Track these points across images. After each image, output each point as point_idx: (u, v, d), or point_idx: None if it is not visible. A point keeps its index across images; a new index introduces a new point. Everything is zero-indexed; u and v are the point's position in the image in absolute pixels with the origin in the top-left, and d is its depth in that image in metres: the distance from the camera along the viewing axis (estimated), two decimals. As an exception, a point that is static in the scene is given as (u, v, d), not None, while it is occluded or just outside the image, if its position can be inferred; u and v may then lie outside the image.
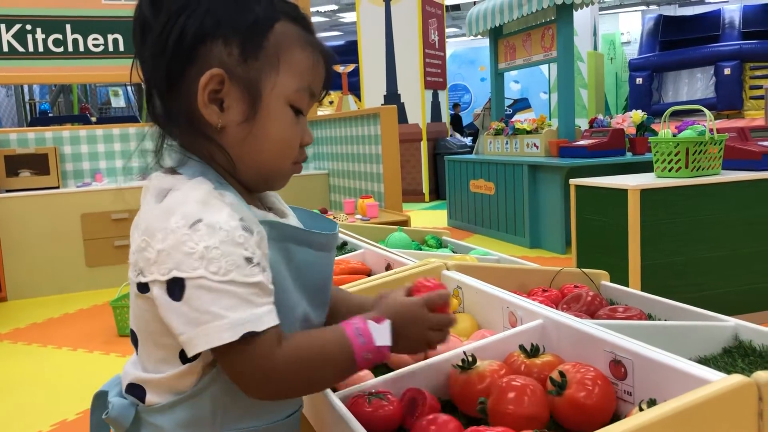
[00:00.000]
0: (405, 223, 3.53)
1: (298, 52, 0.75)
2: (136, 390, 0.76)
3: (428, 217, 7.40)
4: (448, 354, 1.00)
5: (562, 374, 0.88)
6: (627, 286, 2.73)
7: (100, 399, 0.80)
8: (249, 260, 0.68)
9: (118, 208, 4.41)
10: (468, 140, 9.19)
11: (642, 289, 2.77)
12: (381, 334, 0.74)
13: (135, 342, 0.78)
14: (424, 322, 0.78)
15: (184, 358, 0.72)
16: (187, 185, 0.72)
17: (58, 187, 4.64)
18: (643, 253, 2.72)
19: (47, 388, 2.79)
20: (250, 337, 0.67)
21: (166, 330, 0.70)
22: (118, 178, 4.87)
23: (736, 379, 0.72)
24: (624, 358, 0.89)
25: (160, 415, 0.74)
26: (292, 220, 0.85)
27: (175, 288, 0.67)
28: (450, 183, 6.65)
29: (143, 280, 0.70)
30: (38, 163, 4.63)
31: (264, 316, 0.68)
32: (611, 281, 1.50)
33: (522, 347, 1.00)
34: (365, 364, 0.75)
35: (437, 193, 8.86)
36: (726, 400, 0.71)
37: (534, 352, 0.99)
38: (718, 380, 0.73)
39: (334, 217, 3.66)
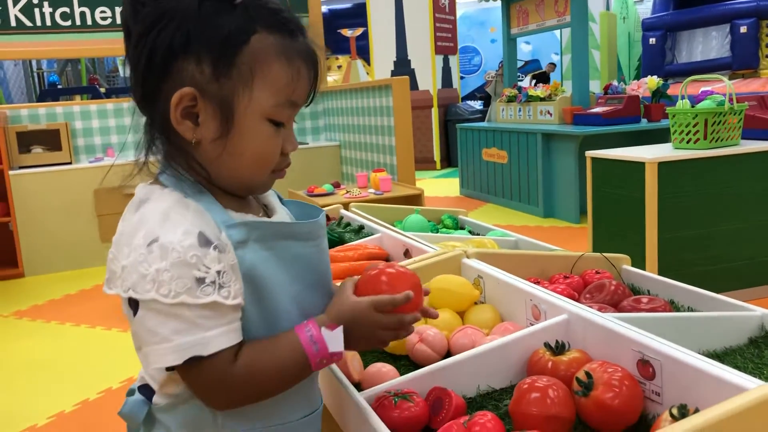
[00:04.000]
0: (418, 198, 3.51)
1: (275, 65, 0.73)
2: (145, 390, 0.79)
3: (440, 185, 7.36)
4: (472, 352, 0.99)
5: (588, 374, 0.87)
6: (644, 259, 2.73)
7: (132, 395, 0.82)
8: (201, 281, 0.68)
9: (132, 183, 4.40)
10: (478, 104, 9.06)
11: (659, 263, 2.77)
12: (334, 341, 0.74)
13: None
14: (372, 324, 0.78)
15: None
16: (156, 195, 0.74)
17: (70, 163, 4.64)
18: (660, 226, 2.70)
19: (68, 367, 2.84)
20: (197, 361, 0.69)
21: None
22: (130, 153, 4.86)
23: (772, 387, 0.71)
24: (652, 359, 0.88)
25: (165, 414, 0.77)
26: (281, 216, 0.85)
27: (132, 306, 0.71)
28: (462, 151, 6.59)
29: (108, 291, 0.72)
30: (50, 139, 4.62)
31: (213, 340, 0.69)
32: (627, 254, 1.48)
33: (547, 344, 0.99)
34: (320, 368, 0.77)
35: (449, 160, 8.80)
36: (763, 410, 0.69)
37: (559, 349, 0.98)
38: (754, 388, 0.72)
39: (347, 191, 3.65)
